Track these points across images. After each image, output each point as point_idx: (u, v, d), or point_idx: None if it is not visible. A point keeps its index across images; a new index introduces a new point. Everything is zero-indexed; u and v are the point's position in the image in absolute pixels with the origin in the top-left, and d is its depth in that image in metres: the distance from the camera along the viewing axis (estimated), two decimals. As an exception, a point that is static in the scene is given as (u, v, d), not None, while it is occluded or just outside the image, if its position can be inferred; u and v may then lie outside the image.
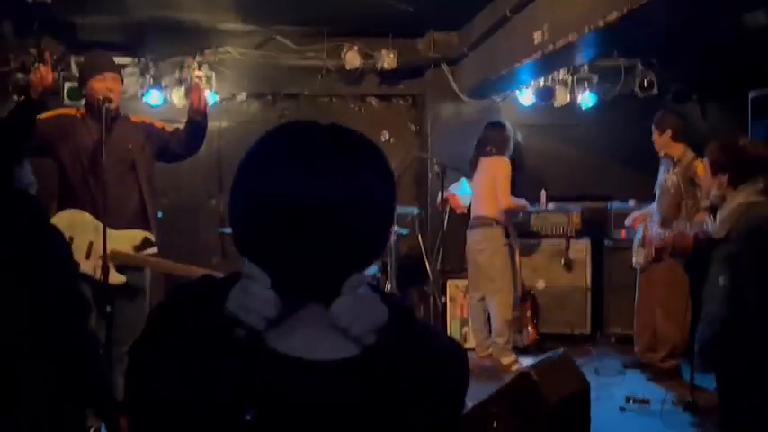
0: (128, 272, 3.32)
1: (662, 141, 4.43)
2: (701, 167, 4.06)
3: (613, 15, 2.97)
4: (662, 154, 4.47)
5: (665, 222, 4.28)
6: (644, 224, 4.52)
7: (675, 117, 4.50)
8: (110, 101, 3.22)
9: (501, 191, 4.60)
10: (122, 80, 3.50)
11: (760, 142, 2.83)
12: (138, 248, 3.37)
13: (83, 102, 3.53)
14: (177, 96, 5.24)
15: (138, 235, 3.36)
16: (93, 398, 1.85)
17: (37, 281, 1.71)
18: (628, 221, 4.79)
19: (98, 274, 3.18)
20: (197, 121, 3.57)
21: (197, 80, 3.68)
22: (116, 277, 3.26)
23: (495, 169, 4.65)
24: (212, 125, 6.01)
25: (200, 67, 5.23)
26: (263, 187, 0.84)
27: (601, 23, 3.06)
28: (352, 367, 0.83)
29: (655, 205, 4.52)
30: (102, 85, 3.28)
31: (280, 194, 0.82)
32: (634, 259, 4.60)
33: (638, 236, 4.56)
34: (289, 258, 0.83)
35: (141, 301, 3.45)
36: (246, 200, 0.86)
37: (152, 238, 3.42)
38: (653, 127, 4.48)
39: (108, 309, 3.05)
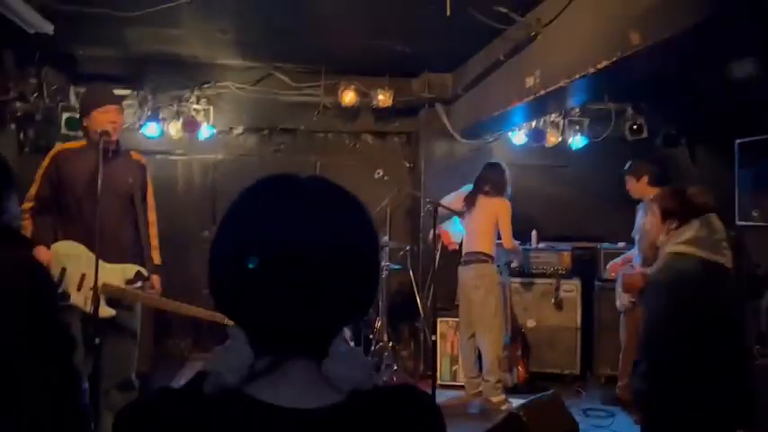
0: (118, 307, 3.31)
1: (639, 188, 4.58)
2: None
3: (603, 63, 3.06)
4: (646, 199, 4.55)
5: (645, 263, 4.35)
6: (622, 269, 4.64)
7: (649, 164, 4.64)
8: (108, 134, 3.26)
9: (505, 232, 4.67)
10: (123, 113, 3.54)
11: (709, 190, 2.86)
12: (130, 282, 3.37)
13: (82, 133, 3.57)
14: (174, 129, 5.30)
15: (130, 269, 3.37)
16: None
17: (20, 319, 1.70)
18: (606, 274, 4.90)
19: (88, 307, 3.18)
20: None
21: None
22: (106, 311, 3.25)
23: (499, 210, 4.70)
24: (208, 158, 6.10)
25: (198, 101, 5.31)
26: (250, 239, 0.85)
27: (591, 70, 3.15)
28: (341, 413, 0.84)
29: (635, 249, 4.61)
30: (104, 117, 3.33)
31: (269, 246, 0.84)
32: (618, 302, 4.69)
33: (620, 279, 4.64)
34: (275, 312, 0.84)
35: (130, 337, 3.43)
36: (233, 254, 0.86)
37: (144, 272, 3.42)
38: (627, 175, 4.62)
39: (97, 341, 3.02)
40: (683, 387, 2.48)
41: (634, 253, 4.64)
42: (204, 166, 6.11)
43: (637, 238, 4.60)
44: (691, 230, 2.64)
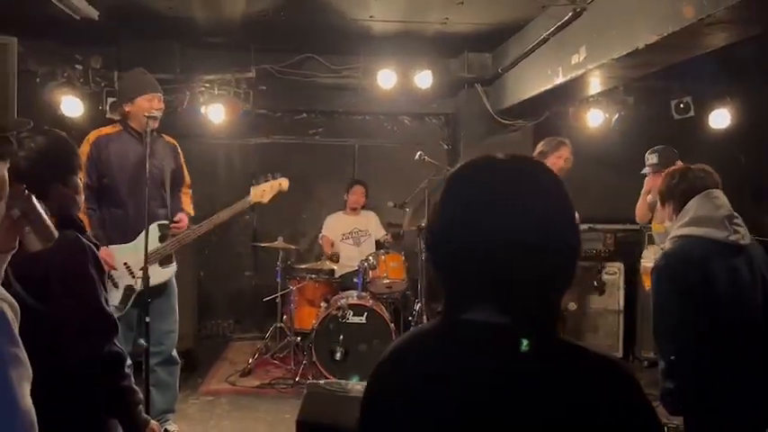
0: (153, 292, 3.39)
1: None
2: None
3: (653, 38, 2.97)
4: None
5: None
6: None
7: (674, 150, 4.20)
8: (155, 119, 3.32)
9: None
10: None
11: (709, 168, 2.46)
12: (162, 238, 3.44)
13: (118, 117, 3.64)
14: (214, 113, 5.33)
15: (154, 228, 3.43)
16: (119, 413, 1.86)
17: (59, 297, 1.74)
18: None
19: (139, 285, 3.29)
20: None
21: None
22: (162, 274, 3.39)
23: None
24: (248, 141, 6.16)
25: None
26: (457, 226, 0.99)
27: (641, 46, 3.06)
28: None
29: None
30: (149, 104, 3.40)
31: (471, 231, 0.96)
32: (648, 285, 4.62)
33: (648, 265, 4.57)
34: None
35: (168, 317, 3.53)
36: (444, 234, 1.00)
37: (165, 222, 3.50)
38: (656, 167, 4.11)
39: (147, 320, 3.10)
40: (704, 385, 2.22)
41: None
42: (244, 149, 6.17)
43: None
44: (690, 210, 2.34)
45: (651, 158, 4.21)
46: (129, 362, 1.87)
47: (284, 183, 3.80)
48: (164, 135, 3.70)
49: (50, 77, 5.04)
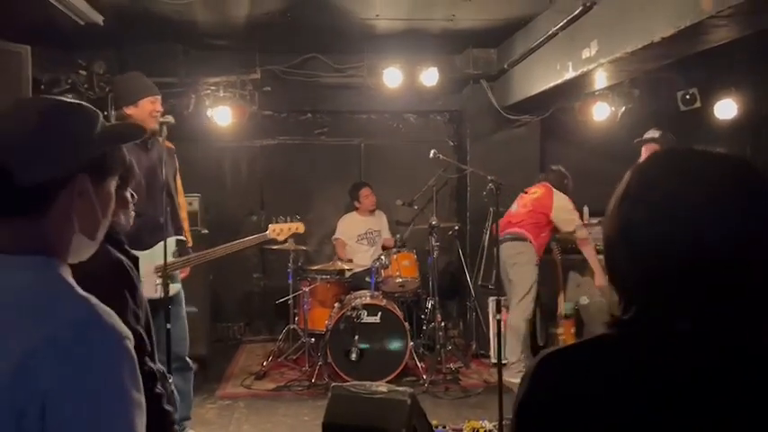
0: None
1: None
2: None
3: (670, 31, 2.96)
4: None
5: None
6: None
7: (674, 137, 4.31)
8: (158, 124, 3.29)
9: None
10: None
11: None
12: (178, 253, 3.43)
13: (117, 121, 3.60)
14: (219, 116, 5.29)
15: (172, 242, 3.40)
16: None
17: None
18: None
19: (155, 292, 3.26)
20: None
21: None
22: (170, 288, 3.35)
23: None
24: (254, 143, 6.13)
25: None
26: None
27: (656, 39, 3.05)
28: None
29: None
30: (152, 106, 3.37)
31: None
32: None
33: None
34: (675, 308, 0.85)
35: (178, 321, 3.51)
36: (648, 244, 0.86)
37: (183, 239, 3.50)
38: (655, 144, 4.28)
39: (168, 326, 3.08)
40: None
41: None
42: (251, 150, 6.15)
43: None
44: None
45: (652, 133, 4.42)
46: (170, 379, 1.85)
47: (300, 227, 4.01)
48: (160, 139, 3.63)
49: (55, 84, 4.99)
